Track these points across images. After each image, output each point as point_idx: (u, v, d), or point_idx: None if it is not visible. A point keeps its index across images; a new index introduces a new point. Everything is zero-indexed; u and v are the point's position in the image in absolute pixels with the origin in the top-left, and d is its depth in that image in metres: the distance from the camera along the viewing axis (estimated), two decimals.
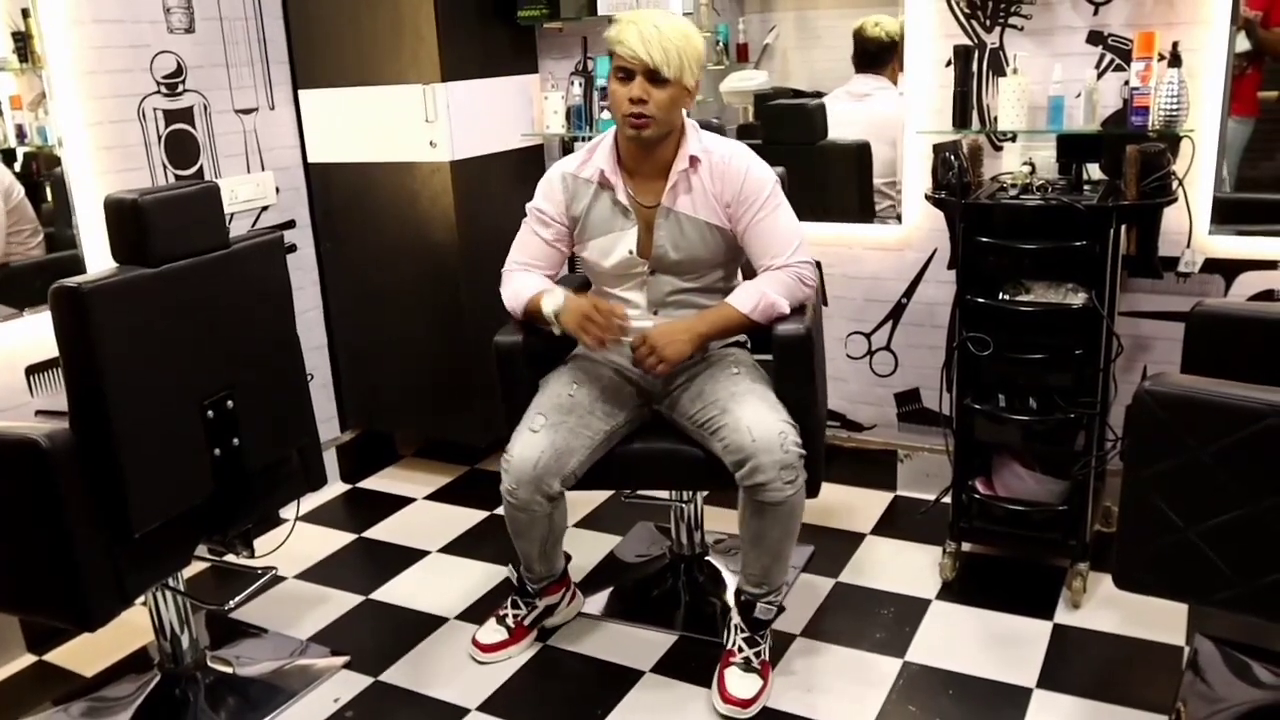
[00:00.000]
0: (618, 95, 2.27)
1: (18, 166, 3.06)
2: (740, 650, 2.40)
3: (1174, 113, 2.61)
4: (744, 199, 2.34)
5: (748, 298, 2.35)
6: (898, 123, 3.15)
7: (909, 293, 3.24)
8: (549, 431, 2.32)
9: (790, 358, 2.33)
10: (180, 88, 3.19)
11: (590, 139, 3.45)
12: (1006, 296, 2.61)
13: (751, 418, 2.24)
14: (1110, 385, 2.72)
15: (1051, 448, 2.78)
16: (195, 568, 2.56)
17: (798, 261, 2.37)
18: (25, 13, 2.92)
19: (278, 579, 2.98)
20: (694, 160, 2.35)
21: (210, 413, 2.21)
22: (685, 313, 2.42)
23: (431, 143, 3.25)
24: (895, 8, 3.16)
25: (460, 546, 3.19)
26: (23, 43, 2.96)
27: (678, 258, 2.39)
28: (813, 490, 2.36)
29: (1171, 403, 1.73)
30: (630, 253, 2.40)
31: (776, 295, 2.34)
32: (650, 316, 2.43)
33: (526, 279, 2.48)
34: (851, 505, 3.29)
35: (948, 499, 2.86)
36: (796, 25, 3.74)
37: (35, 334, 2.87)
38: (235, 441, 2.27)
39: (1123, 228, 2.62)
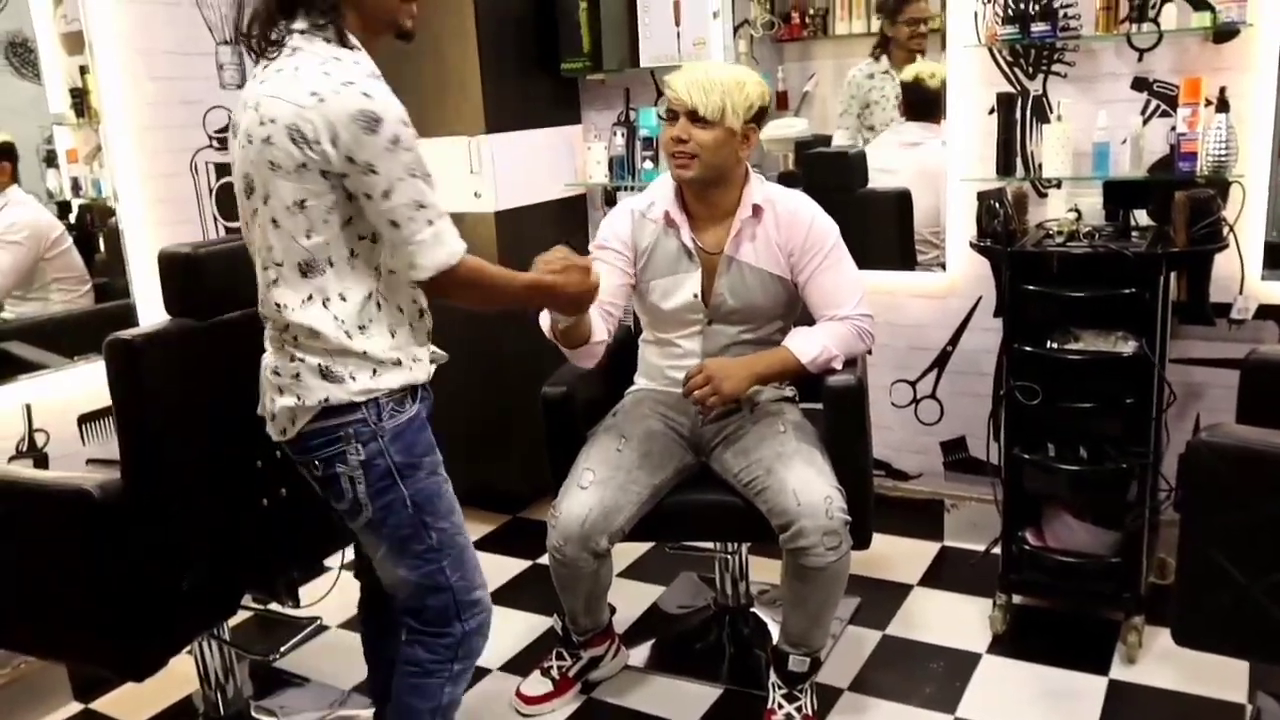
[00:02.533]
0: (664, 135, 2.35)
1: (73, 218, 3.15)
2: (781, 706, 2.37)
3: (1223, 158, 2.59)
4: (808, 249, 2.36)
5: (810, 347, 2.34)
6: (944, 171, 3.15)
7: (954, 340, 3.22)
8: (597, 488, 2.31)
9: (842, 410, 2.32)
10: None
11: (632, 188, 3.51)
12: (1055, 345, 2.58)
13: (797, 481, 2.22)
14: (1163, 434, 2.67)
15: (1103, 497, 2.73)
16: (240, 616, 2.57)
17: (859, 314, 2.38)
18: (83, 69, 3.01)
19: (322, 628, 2.99)
20: (757, 209, 2.37)
21: (259, 463, 2.23)
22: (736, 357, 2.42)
23: (476, 193, 3.29)
24: (935, 55, 3.18)
25: (503, 596, 3.18)
26: (80, 98, 3.05)
27: (736, 305, 2.40)
28: (863, 542, 2.33)
29: (1229, 455, 1.69)
30: (695, 296, 2.41)
31: (836, 349, 2.35)
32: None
33: None
34: (898, 556, 3.24)
35: (997, 550, 2.81)
36: (835, 73, 3.75)
37: (88, 383, 2.92)
38: (283, 492, 2.28)
39: (1173, 274, 2.59)
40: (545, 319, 2.39)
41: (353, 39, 1.79)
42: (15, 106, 3.06)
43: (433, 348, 2.02)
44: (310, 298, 1.79)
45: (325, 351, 1.81)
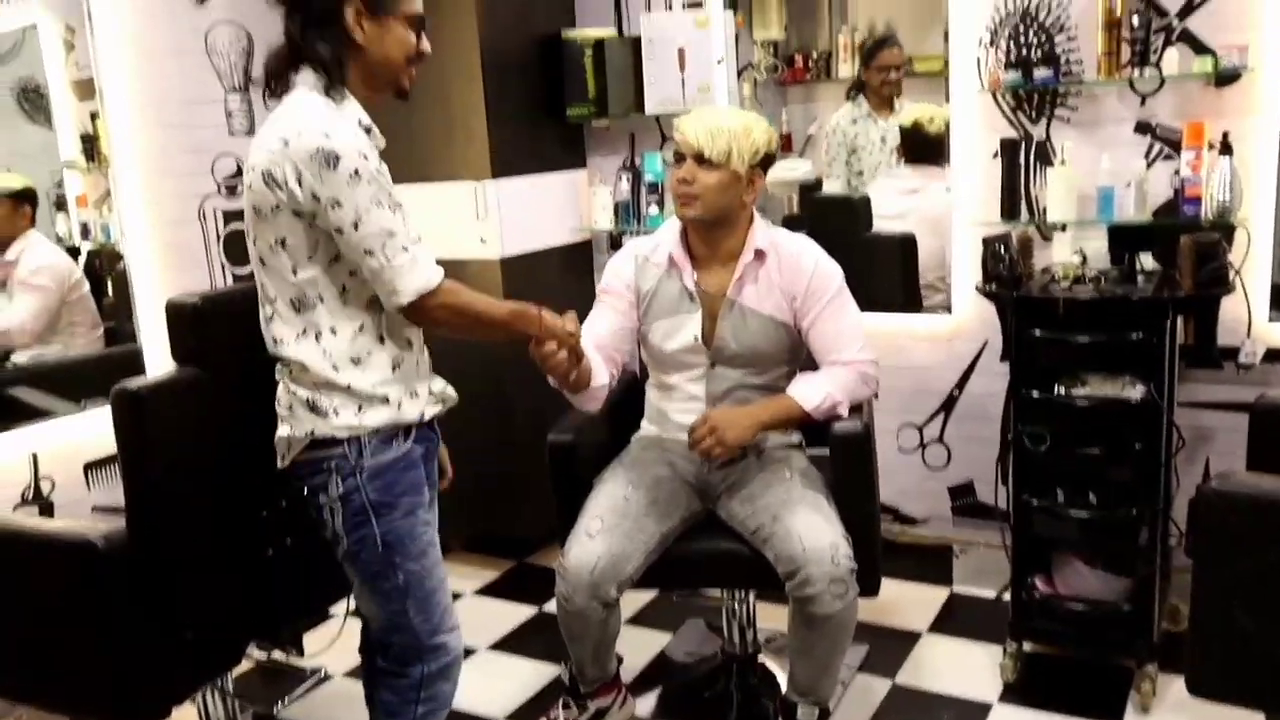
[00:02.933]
0: (672, 176, 2.38)
1: (82, 262, 3.17)
2: None
3: (1227, 202, 2.59)
4: (812, 294, 2.36)
5: (813, 394, 2.34)
6: (948, 216, 3.16)
7: (960, 384, 3.21)
8: (605, 536, 2.29)
9: (848, 456, 2.31)
10: (239, 188, 3.28)
11: (637, 233, 3.52)
12: (1062, 390, 2.57)
13: (803, 527, 2.21)
14: (1172, 479, 2.65)
15: (1114, 543, 2.70)
16: (244, 665, 2.54)
17: (864, 359, 2.38)
18: (94, 116, 3.05)
19: (325, 678, 2.96)
20: (760, 253, 2.38)
21: (264, 512, 2.22)
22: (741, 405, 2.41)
23: (482, 239, 3.30)
24: (938, 101, 3.19)
25: (510, 644, 3.15)
26: (90, 144, 3.09)
27: (738, 349, 2.40)
28: (871, 589, 2.31)
29: (1240, 503, 1.68)
30: (695, 339, 2.41)
31: (840, 395, 2.34)
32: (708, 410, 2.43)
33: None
34: (907, 602, 3.21)
35: (1007, 596, 2.78)
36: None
37: (95, 430, 2.92)
38: (287, 541, 2.27)
39: (1179, 318, 2.58)
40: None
41: (344, 90, 1.86)
42: (26, 151, 3.10)
43: (442, 385, 2.06)
44: (304, 332, 1.88)
45: (314, 385, 1.89)
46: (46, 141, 3.11)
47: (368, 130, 1.89)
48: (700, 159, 2.30)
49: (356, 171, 1.76)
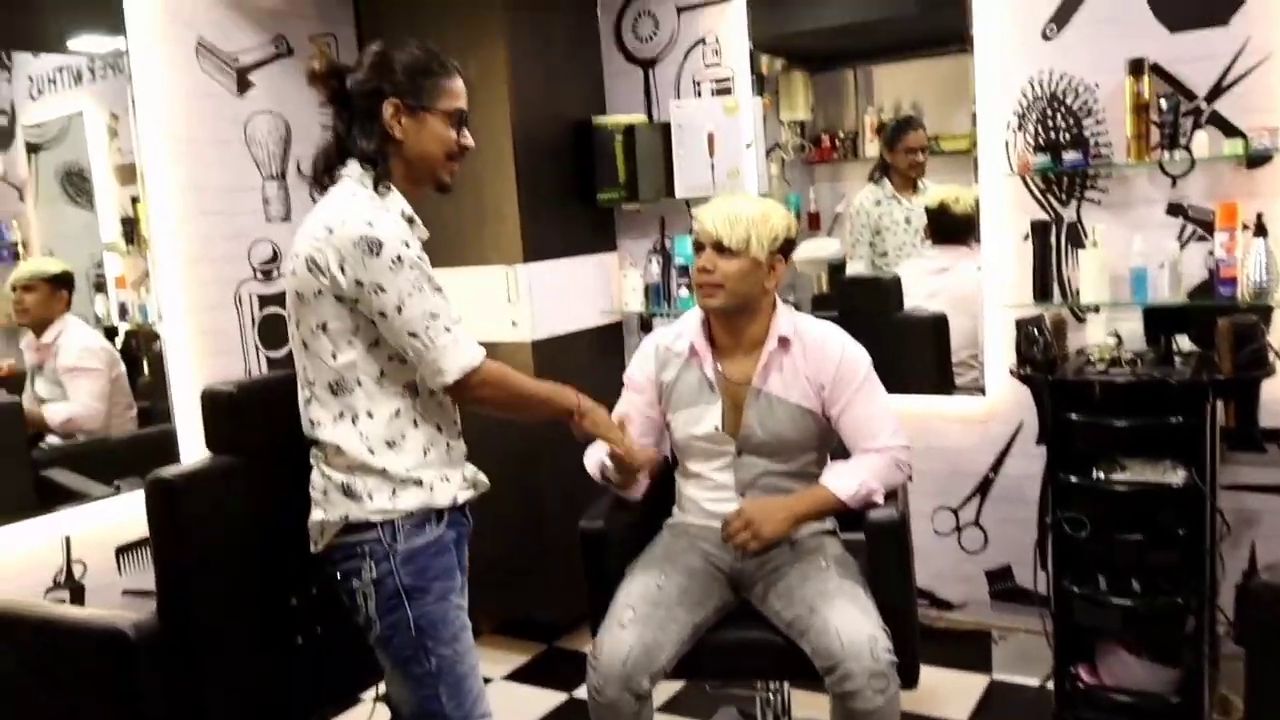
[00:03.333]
0: (693, 266, 2.39)
1: (119, 342, 3.22)
2: None
3: (1264, 283, 2.57)
4: (840, 380, 2.34)
5: (848, 484, 2.32)
6: (978, 294, 3.15)
7: (996, 466, 3.17)
8: (637, 626, 2.24)
9: (884, 544, 2.27)
10: (275, 273, 3.33)
11: (668, 315, 3.54)
12: (1101, 474, 2.53)
13: (840, 621, 2.16)
14: (1218, 565, 2.59)
15: (1159, 632, 2.63)
16: None
17: (897, 445, 2.35)
18: (134, 199, 3.12)
19: None
20: (785, 340, 2.37)
21: (294, 600, 2.21)
22: (774, 497, 2.39)
23: (513, 322, 3.32)
24: (964, 179, 3.21)
25: None
26: (130, 227, 3.15)
27: (765, 438, 2.37)
28: (910, 681, 2.25)
29: None
30: (715, 428, 2.39)
31: (875, 483, 2.31)
32: (738, 499, 2.40)
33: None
34: (945, 689, 3.13)
35: (1050, 685, 2.71)
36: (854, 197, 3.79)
37: (128, 512, 2.93)
38: (318, 630, 2.25)
39: (1219, 401, 2.55)
40: (592, 461, 2.43)
41: (388, 184, 1.93)
42: (68, 233, 3.17)
43: (474, 471, 2.07)
44: (341, 414, 1.91)
45: (348, 468, 1.91)
46: (88, 224, 3.18)
47: (410, 221, 1.94)
48: (719, 248, 2.31)
49: (399, 258, 1.81)
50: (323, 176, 1.95)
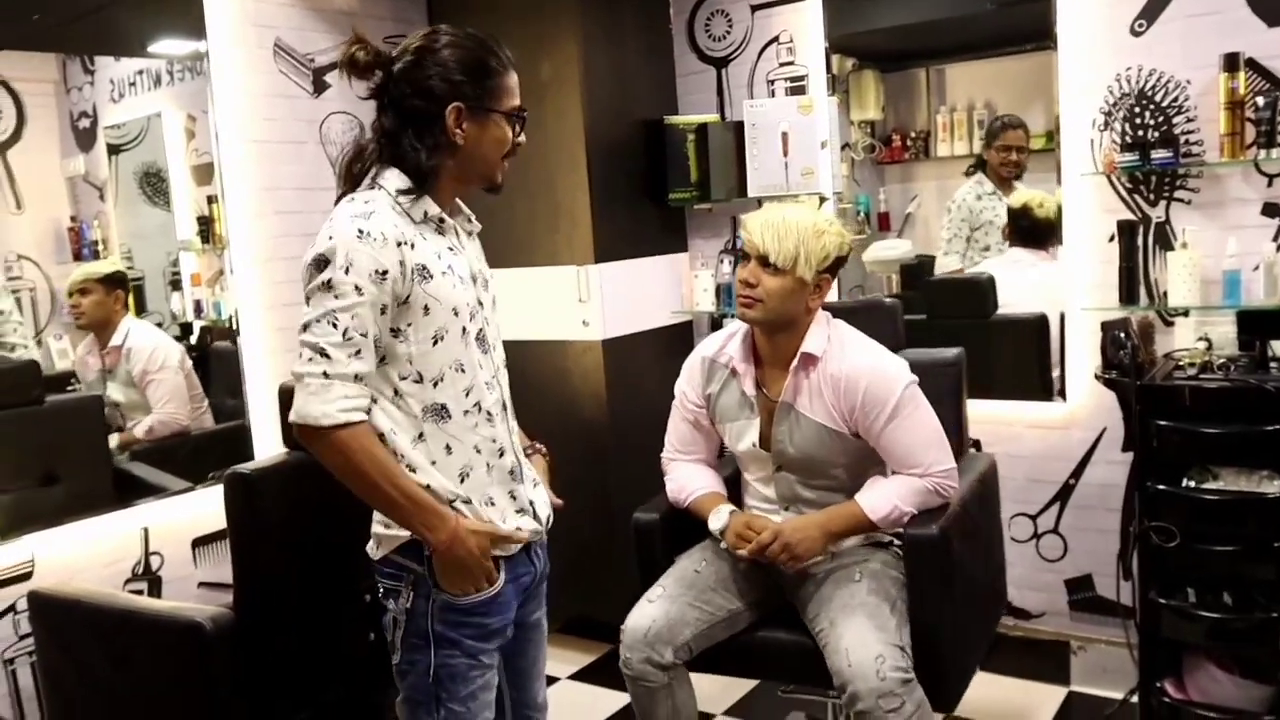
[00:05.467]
0: (737, 276, 2.31)
1: (194, 339, 3.27)
2: None
3: None
4: (867, 410, 2.25)
5: (881, 505, 2.26)
6: (1057, 296, 3.07)
7: (1076, 473, 3.08)
8: (664, 601, 2.31)
9: (921, 561, 2.21)
10: None
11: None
12: (1192, 483, 2.45)
13: (851, 639, 2.12)
14: None
15: (1252, 647, 2.54)
16: None
17: (938, 471, 2.27)
18: (210, 199, 3.16)
19: None
20: (809, 358, 2.29)
21: (367, 597, 2.21)
22: (814, 510, 2.35)
23: (584, 322, 3.31)
24: (1037, 180, 3.14)
25: None
26: (205, 226, 3.20)
27: (795, 455, 2.33)
28: (946, 705, 2.19)
29: None
30: (754, 445, 2.37)
31: (909, 506, 2.25)
32: (781, 512, 2.38)
33: (691, 474, 2.47)
34: (1021, 701, 3.06)
35: (1134, 699, 2.63)
36: (938, 194, 3.73)
37: (204, 506, 2.98)
38: None
39: None
40: (677, 495, 2.47)
41: (422, 192, 1.76)
42: (145, 232, 3.23)
43: (530, 493, 1.91)
44: (380, 432, 1.73)
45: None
46: (164, 223, 3.24)
47: (440, 221, 1.79)
48: (765, 262, 2.24)
49: (329, 282, 1.65)
50: (358, 177, 1.77)
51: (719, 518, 2.37)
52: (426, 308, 1.72)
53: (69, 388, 3.02)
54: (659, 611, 2.29)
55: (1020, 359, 3.29)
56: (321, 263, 1.66)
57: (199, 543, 3.00)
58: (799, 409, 2.32)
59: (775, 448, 2.35)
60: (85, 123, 3.05)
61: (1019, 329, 3.28)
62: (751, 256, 2.27)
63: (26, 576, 2.65)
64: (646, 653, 2.25)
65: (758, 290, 2.25)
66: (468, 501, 1.78)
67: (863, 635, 2.13)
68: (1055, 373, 3.18)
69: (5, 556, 2.62)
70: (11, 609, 2.63)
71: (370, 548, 1.85)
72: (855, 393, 2.26)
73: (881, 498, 2.28)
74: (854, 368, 2.27)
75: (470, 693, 1.83)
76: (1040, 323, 3.23)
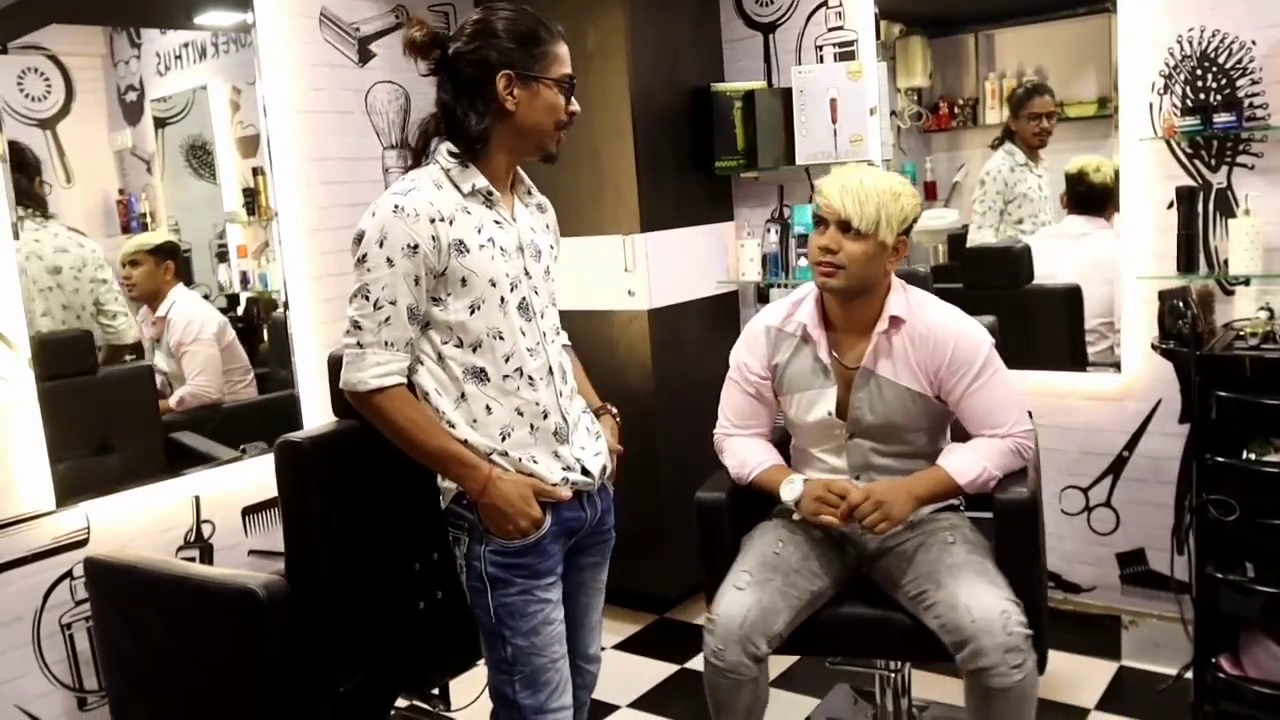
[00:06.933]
0: (812, 243, 2.27)
1: (240, 310, 3.29)
2: None
3: None
4: (954, 370, 2.24)
5: (968, 469, 2.23)
6: (1115, 263, 3.01)
7: (1130, 445, 3.03)
8: (755, 589, 2.21)
9: (1012, 525, 2.18)
10: None
11: (785, 285, 3.46)
12: (1252, 455, 2.39)
13: (969, 595, 2.08)
14: None
15: None
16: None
17: (1020, 431, 2.25)
18: (255, 171, 3.18)
19: None
20: (895, 321, 2.26)
21: (417, 565, 2.23)
22: (886, 478, 2.32)
23: (630, 291, 3.30)
24: (1090, 147, 3.06)
25: (651, 702, 3.09)
26: (251, 198, 3.21)
27: (875, 422, 2.30)
28: (1039, 666, 2.16)
29: None
30: (829, 414, 2.33)
31: (995, 469, 2.23)
32: (852, 482, 2.33)
33: (751, 448, 2.42)
34: (1071, 675, 3.02)
35: (1188, 674, 2.59)
36: (985, 163, 3.66)
37: (253, 476, 3.01)
38: (439, 595, 2.27)
39: None
40: (740, 470, 2.41)
41: (472, 164, 1.87)
42: (191, 205, 3.25)
43: (578, 452, 2.00)
44: (423, 393, 1.89)
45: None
46: (211, 195, 3.26)
47: (488, 194, 1.87)
48: (846, 227, 2.19)
49: (364, 257, 1.80)
50: (420, 155, 1.92)
51: (792, 487, 2.30)
52: (464, 280, 1.83)
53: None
54: (751, 600, 2.18)
55: (1054, 330, 3.24)
56: (360, 238, 1.81)
57: (249, 511, 3.04)
58: (880, 374, 2.28)
59: (852, 414, 2.31)
60: (132, 96, 3.07)
61: (1053, 299, 3.23)
62: (830, 222, 2.22)
63: (83, 543, 2.69)
64: (742, 645, 2.16)
65: (839, 256, 2.20)
66: (505, 455, 1.89)
67: (981, 591, 2.09)
68: (1105, 344, 3.13)
69: (62, 523, 2.67)
70: (69, 575, 2.68)
71: (441, 501, 1.98)
72: (945, 351, 2.24)
73: (967, 462, 2.24)
74: (942, 327, 2.25)
75: (532, 627, 1.93)
76: (1073, 294, 3.18)
